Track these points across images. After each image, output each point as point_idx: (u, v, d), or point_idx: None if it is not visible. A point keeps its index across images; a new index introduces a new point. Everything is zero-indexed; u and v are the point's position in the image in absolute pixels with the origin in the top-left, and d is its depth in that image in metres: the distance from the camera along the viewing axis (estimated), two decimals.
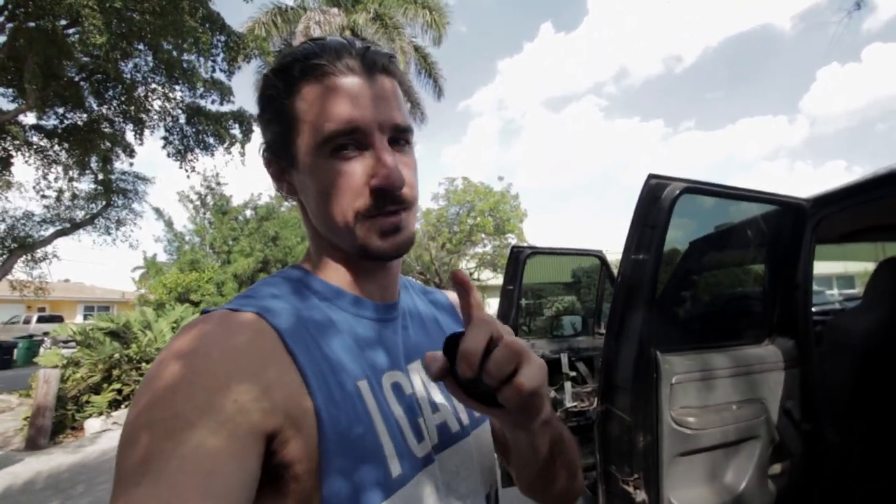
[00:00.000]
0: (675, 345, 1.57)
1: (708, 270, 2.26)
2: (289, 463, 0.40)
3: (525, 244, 2.87)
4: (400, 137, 0.50)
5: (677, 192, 1.39)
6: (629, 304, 1.38)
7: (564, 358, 2.71)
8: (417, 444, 0.48)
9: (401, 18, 11.59)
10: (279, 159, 0.52)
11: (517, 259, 2.63)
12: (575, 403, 2.58)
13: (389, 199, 0.48)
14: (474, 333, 0.37)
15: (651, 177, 1.41)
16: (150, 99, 8.51)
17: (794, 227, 1.77)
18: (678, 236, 1.95)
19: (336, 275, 0.53)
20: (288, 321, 0.45)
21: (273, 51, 10.17)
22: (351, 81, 0.47)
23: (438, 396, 0.54)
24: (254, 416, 0.38)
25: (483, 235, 15.96)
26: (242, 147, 9.68)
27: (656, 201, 1.39)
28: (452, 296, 0.69)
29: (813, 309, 1.99)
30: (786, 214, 1.78)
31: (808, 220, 1.75)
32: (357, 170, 0.47)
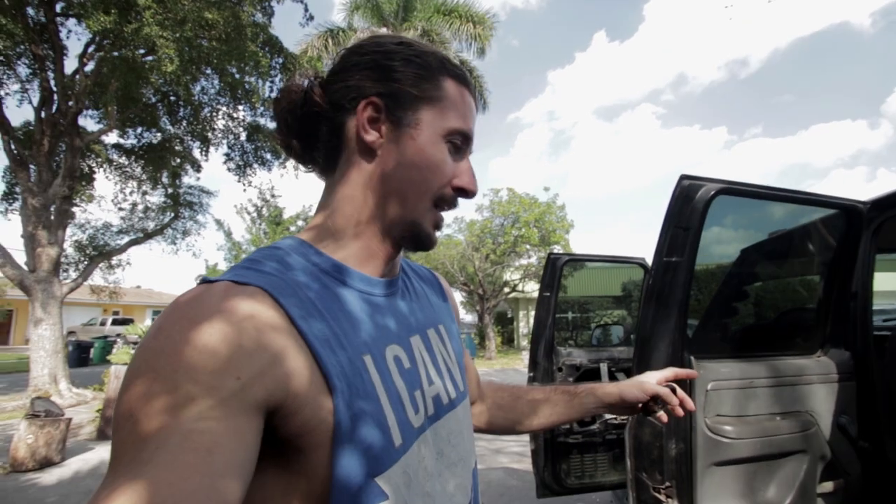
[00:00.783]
0: (715, 352, 1.52)
1: (760, 279, 2.15)
2: (293, 437, 0.40)
3: (560, 253, 2.85)
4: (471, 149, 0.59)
5: (712, 192, 1.36)
6: (661, 307, 1.36)
7: (604, 367, 2.66)
8: (415, 415, 0.49)
9: (447, 33, 11.86)
10: (392, 112, 0.52)
11: (554, 266, 2.62)
12: (613, 415, 2.52)
13: (458, 201, 0.56)
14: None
15: (683, 177, 1.39)
16: (215, 118, 9.21)
17: (849, 231, 1.66)
18: (731, 244, 1.89)
19: (348, 248, 0.52)
20: (293, 295, 0.44)
21: (325, 70, 10.71)
22: (471, 96, 0.57)
23: (432, 370, 0.55)
24: (256, 393, 0.37)
25: (528, 247, 15.78)
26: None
27: (689, 202, 1.36)
28: (436, 274, 0.73)
29: (882, 322, 1.84)
30: (840, 218, 1.68)
31: (864, 224, 1.64)
32: (455, 167, 0.54)
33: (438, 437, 0.53)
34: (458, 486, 0.54)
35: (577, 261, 2.71)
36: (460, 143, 0.55)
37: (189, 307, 0.40)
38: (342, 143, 0.54)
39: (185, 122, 9.32)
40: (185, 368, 0.35)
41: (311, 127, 0.55)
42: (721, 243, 1.87)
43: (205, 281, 0.44)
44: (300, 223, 12.78)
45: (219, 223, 12.13)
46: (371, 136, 0.52)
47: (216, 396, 0.35)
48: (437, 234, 0.56)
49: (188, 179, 10.84)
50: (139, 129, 9.43)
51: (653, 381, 0.77)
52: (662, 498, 1.29)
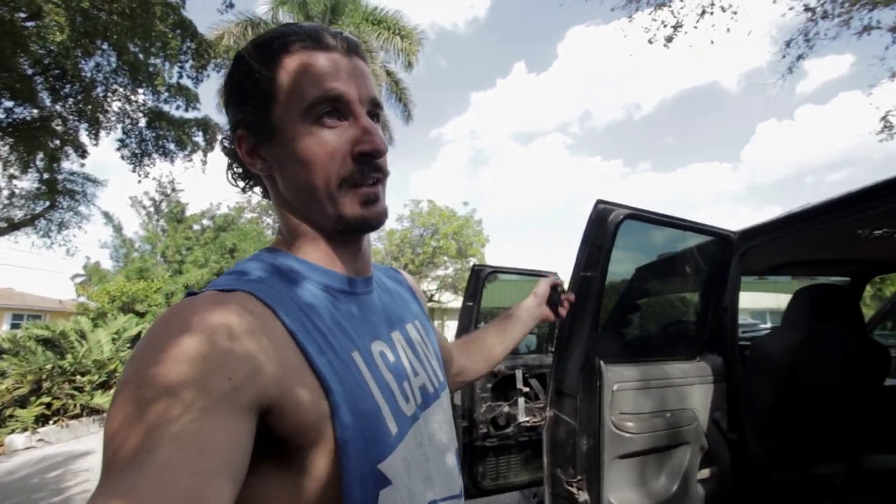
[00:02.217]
0: (617, 357, 1.70)
1: (650, 294, 2.45)
2: (291, 436, 0.41)
3: (483, 264, 3.01)
4: (375, 112, 0.53)
5: (621, 216, 1.55)
6: (577, 316, 1.51)
7: (519, 374, 2.82)
8: (406, 404, 0.52)
9: (374, 42, 11.84)
10: (253, 135, 0.52)
11: (478, 277, 2.74)
12: (528, 418, 2.68)
13: (373, 165, 0.51)
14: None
15: (599, 202, 1.56)
16: (109, 100, 8.23)
17: (724, 255, 1.98)
18: (627, 263, 2.14)
19: (313, 252, 0.54)
20: (279, 299, 0.45)
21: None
22: (332, 55, 0.50)
23: (416, 362, 0.58)
24: (248, 394, 0.38)
25: (446, 258, 16.12)
26: (205, 155, 9.46)
27: (603, 224, 1.54)
28: (398, 269, 0.78)
29: (743, 333, 2.20)
30: (717, 244, 1.99)
31: (735, 250, 1.96)
32: (342, 138, 0.50)
33: (429, 423, 0.56)
34: (451, 468, 0.58)
35: (498, 272, 2.86)
36: (331, 108, 0.50)
37: (177, 316, 0.41)
38: (255, 176, 0.58)
39: (70, 101, 8.20)
40: (176, 373, 0.36)
41: (238, 167, 0.59)
42: (624, 262, 2.12)
43: (190, 294, 0.45)
44: (206, 222, 11.79)
45: (107, 216, 10.76)
46: (256, 166, 0.55)
47: (208, 398, 0.36)
48: (378, 205, 0.54)
49: (70, 165, 9.50)
50: (10, 103, 8.10)
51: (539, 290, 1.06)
52: (574, 490, 1.42)
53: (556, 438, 1.53)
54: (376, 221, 0.54)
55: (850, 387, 2.08)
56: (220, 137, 0.59)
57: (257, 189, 0.60)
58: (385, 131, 12.99)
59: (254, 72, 0.50)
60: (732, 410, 1.85)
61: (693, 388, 1.77)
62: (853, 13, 7.18)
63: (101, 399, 6.11)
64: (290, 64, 0.50)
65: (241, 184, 0.59)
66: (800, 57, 7.82)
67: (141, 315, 8.36)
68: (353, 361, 0.48)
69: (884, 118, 8.95)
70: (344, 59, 0.51)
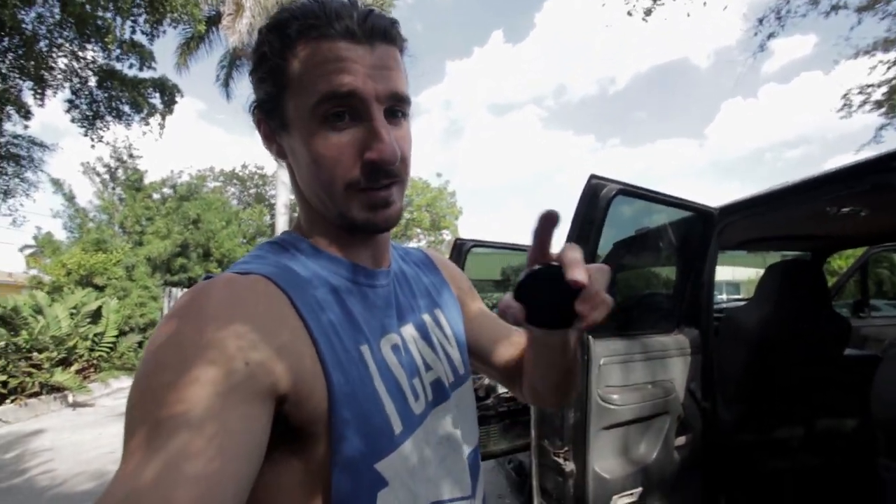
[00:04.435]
0: (603, 331, 1.73)
1: (631, 268, 2.50)
2: (303, 424, 0.41)
3: (466, 238, 2.99)
4: (398, 108, 0.48)
5: (613, 192, 1.54)
6: None
7: None
8: (415, 402, 0.50)
9: None
10: (270, 120, 0.50)
11: (460, 251, 2.72)
12: (506, 390, 2.73)
13: (382, 173, 0.47)
14: (585, 274, 0.38)
15: (592, 177, 1.55)
16: (54, 56, 7.56)
17: (704, 231, 2.02)
18: (613, 237, 2.16)
19: (329, 241, 0.52)
20: (295, 285, 0.44)
21: (203, 17, 9.45)
22: (350, 46, 0.45)
23: (430, 355, 0.56)
24: (266, 379, 0.38)
25: (419, 230, 16.05)
26: (163, 119, 8.91)
27: (595, 199, 1.53)
28: (427, 251, 0.73)
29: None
30: (698, 220, 2.03)
31: (715, 226, 2.01)
32: (351, 141, 0.46)
33: (441, 420, 0.54)
34: (462, 469, 0.55)
35: (481, 246, 2.85)
36: (343, 108, 0.45)
37: (194, 299, 0.40)
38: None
39: (10, 56, 7.49)
40: (193, 356, 0.36)
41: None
42: (610, 236, 2.14)
43: (208, 277, 0.44)
44: (167, 190, 11.20)
45: (56, 183, 10.04)
46: (274, 149, 0.53)
47: (225, 383, 0.36)
48: (388, 210, 0.49)
49: (13, 127, 8.76)
50: None
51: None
52: (561, 461, 1.45)
53: (544, 411, 1.56)
54: (384, 225, 0.50)
55: (813, 356, 2.21)
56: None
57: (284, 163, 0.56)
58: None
59: (269, 57, 0.47)
60: (706, 381, 1.93)
61: (672, 360, 1.83)
62: None
63: (62, 377, 5.85)
64: (304, 53, 0.45)
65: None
66: (771, 35, 7.96)
67: (100, 289, 7.97)
68: (361, 355, 0.46)
69: (845, 96, 9.32)
70: (364, 49, 0.45)
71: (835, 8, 7.28)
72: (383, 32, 0.47)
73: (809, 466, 2.15)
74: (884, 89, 8.70)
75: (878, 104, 8.95)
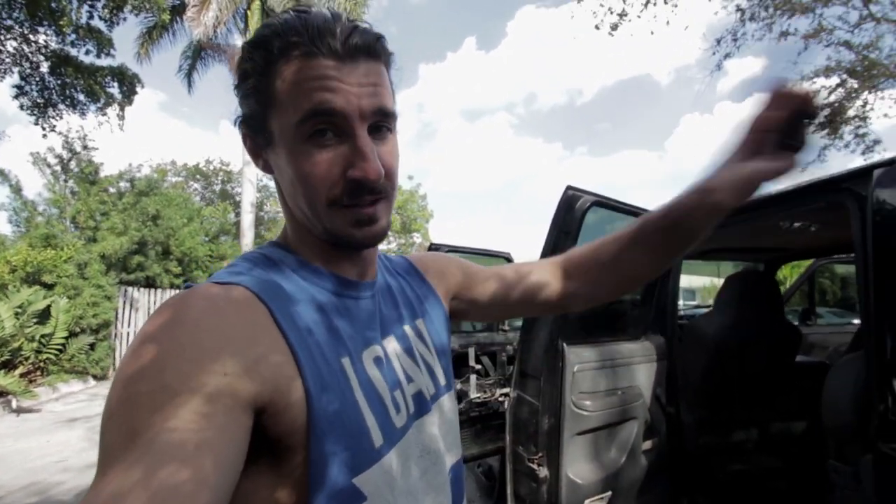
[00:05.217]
0: (576, 338, 1.78)
1: None
2: (281, 436, 0.41)
3: (440, 243, 2.99)
4: (383, 124, 0.48)
5: (588, 203, 1.59)
6: None
7: (471, 352, 2.87)
8: (396, 415, 0.50)
9: None
10: (255, 136, 0.50)
11: None
12: (479, 394, 2.75)
13: (366, 190, 0.47)
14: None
15: (568, 188, 1.59)
16: (2, 38, 7.08)
17: None
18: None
19: (314, 254, 0.53)
20: (276, 297, 0.45)
21: (167, 6, 9.07)
22: (332, 64, 0.45)
23: (412, 368, 0.56)
24: (244, 390, 0.38)
25: (389, 233, 15.93)
26: (122, 109, 8.49)
27: (571, 210, 1.57)
28: (411, 257, 0.73)
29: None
30: None
31: None
32: (333, 158, 0.46)
33: (422, 434, 0.54)
34: (443, 483, 0.55)
35: (456, 252, 2.86)
36: (326, 125, 0.45)
37: (173, 309, 0.40)
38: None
39: None
40: (171, 368, 0.36)
41: None
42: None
43: (188, 286, 0.44)
44: (124, 185, 10.63)
45: (2, 174, 9.38)
46: (260, 164, 0.53)
47: (203, 393, 0.35)
48: (373, 227, 0.49)
49: None
50: None
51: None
52: (535, 467, 1.48)
53: (519, 418, 1.58)
54: (368, 242, 0.51)
55: (768, 363, 2.34)
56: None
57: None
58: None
59: (252, 74, 0.47)
60: (670, 386, 2.01)
61: (640, 366, 1.90)
62: (776, 18, 7.80)
63: (5, 380, 5.45)
64: (287, 71, 0.45)
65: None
66: (727, 55, 8.40)
67: (49, 287, 7.48)
68: (342, 368, 0.46)
69: None
70: (348, 67, 0.45)
71: (784, 34, 7.77)
72: (367, 49, 0.47)
73: (766, 468, 2.27)
74: (825, 112, 9.34)
75: (821, 125, 9.60)
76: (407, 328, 0.59)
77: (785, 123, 0.50)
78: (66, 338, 6.94)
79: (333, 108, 0.44)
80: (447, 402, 0.61)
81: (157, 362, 0.36)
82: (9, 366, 6.05)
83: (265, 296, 0.44)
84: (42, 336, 6.63)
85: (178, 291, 0.48)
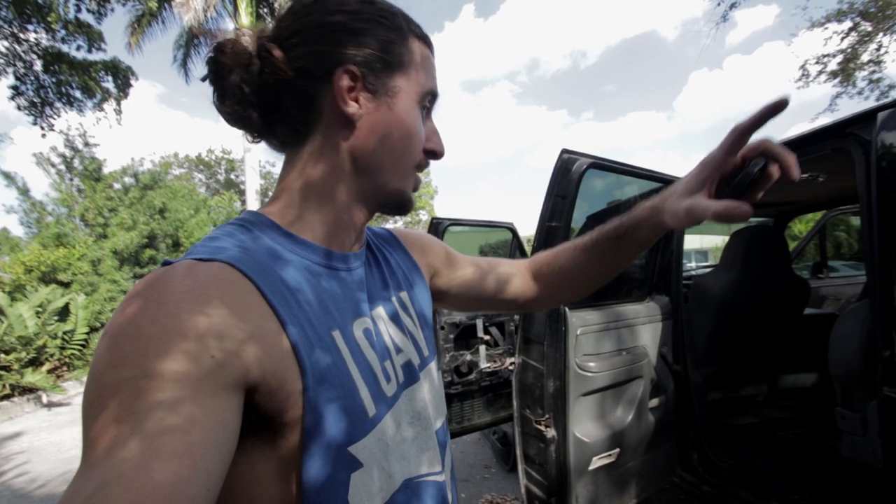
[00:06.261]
0: (579, 302, 1.78)
1: None
2: (275, 413, 0.40)
3: (442, 217, 3.00)
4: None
5: (584, 166, 1.56)
6: None
7: (479, 323, 2.90)
8: (387, 384, 0.51)
9: None
10: (369, 79, 0.49)
11: (437, 230, 2.72)
12: (489, 364, 2.79)
13: (430, 162, 0.57)
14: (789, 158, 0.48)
15: (563, 152, 1.56)
16: None
17: None
18: (586, 210, 2.19)
19: (307, 224, 0.51)
20: (261, 272, 0.43)
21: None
22: (432, 55, 0.56)
23: (400, 337, 0.57)
24: (234, 369, 0.37)
25: None
26: (118, 104, 8.45)
27: (567, 174, 1.55)
28: (393, 230, 0.74)
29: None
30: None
31: None
32: (426, 130, 0.55)
33: (411, 401, 0.55)
34: (433, 446, 0.57)
35: (458, 225, 2.86)
36: (429, 104, 0.56)
37: (153, 288, 0.38)
38: (314, 114, 0.51)
39: None
40: (155, 351, 0.34)
41: (273, 97, 0.50)
42: (582, 209, 2.17)
43: (166, 263, 0.41)
44: (128, 180, 10.68)
45: (8, 177, 9.46)
46: (352, 107, 0.49)
47: (191, 376, 0.34)
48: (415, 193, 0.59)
49: None
50: None
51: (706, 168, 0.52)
52: (543, 428, 1.51)
53: (525, 382, 1.61)
54: (412, 207, 0.58)
55: (775, 317, 2.33)
56: (261, 40, 0.49)
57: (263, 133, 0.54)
58: None
59: (387, 28, 0.51)
60: (677, 345, 2.01)
61: (644, 326, 1.91)
62: None
63: (33, 377, 5.65)
64: (417, 48, 0.53)
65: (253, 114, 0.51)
66: (733, 5, 8.05)
67: (65, 285, 7.65)
68: (333, 340, 0.46)
69: (802, 66, 9.56)
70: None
71: None
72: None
73: (775, 419, 2.29)
74: (838, 59, 8.97)
75: (833, 74, 9.24)
76: (394, 298, 0.60)
77: (730, 169, 0.51)
78: (88, 333, 7.13)
79: (437, 94, 0.56)
80: (431, 370, 0.62)
81: (139, 346, 0.34)
82: (35, 363, 6.25)
83: (249, 270, 0.42)
84: (64, 333, 6.81)
85: (154, 268, 0.46)
